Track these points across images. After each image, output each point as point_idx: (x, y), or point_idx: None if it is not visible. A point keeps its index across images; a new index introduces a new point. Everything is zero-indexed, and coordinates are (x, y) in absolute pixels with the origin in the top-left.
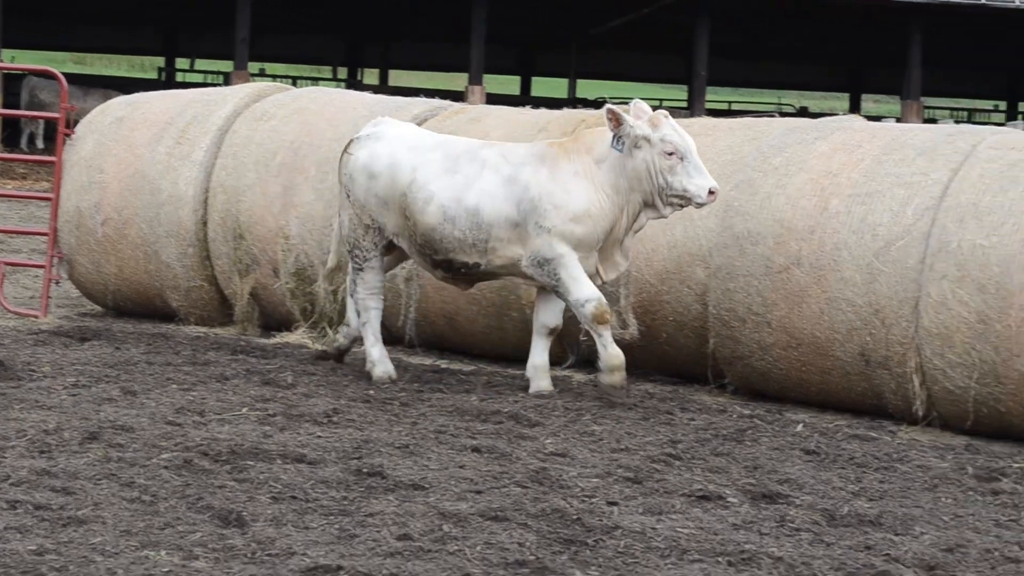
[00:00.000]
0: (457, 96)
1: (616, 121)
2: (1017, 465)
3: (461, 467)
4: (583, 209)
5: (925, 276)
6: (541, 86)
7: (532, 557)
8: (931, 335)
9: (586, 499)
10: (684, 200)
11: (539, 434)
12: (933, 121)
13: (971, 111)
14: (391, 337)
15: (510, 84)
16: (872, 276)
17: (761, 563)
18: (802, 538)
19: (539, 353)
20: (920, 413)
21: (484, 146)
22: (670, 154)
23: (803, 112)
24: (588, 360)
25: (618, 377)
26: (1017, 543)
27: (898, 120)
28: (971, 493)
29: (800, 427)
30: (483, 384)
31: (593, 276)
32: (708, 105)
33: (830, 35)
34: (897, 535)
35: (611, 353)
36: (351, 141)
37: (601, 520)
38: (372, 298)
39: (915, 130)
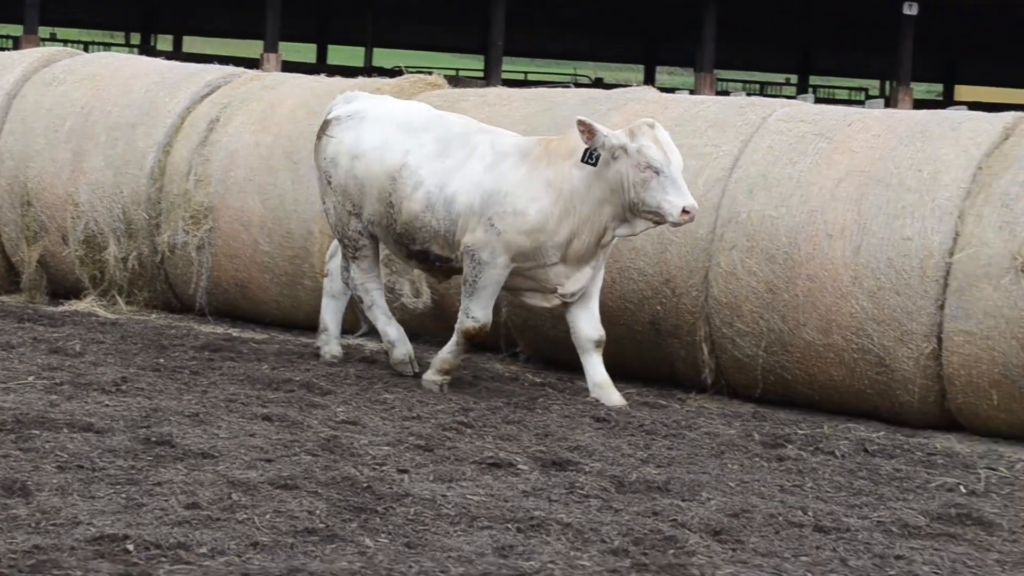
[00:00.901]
0: (252, 64)
1: (589, 133)
2: (802, 432)
3: (251, 435)
4: (539, 224)
5: (715, 246)
6: (337, 54)
7: (322, 525)
8: (720, 304)
9: (377, 467)
10: (657, 217)
11: (330, 402)
12: (726, 93)
13: (763, 84)
14: (183, 306)
15: (307, 52)
16: (663, 246)
17: (550, 529)
18: (591, 504)
19: (595, 370)
20: (709, 381)
21: (479, 130)
22: (646, 167)
23: (598, 83)
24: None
25: (438, 378)
26: (801, 508)
27: (691, 92)
28: (757, 459)
29: (590, 395)
30: (275, 353)
31: (552, 290)
32: (504, 76)
33: (625, 6)
34: (684, 501)
35: (444, 358)
36: (328, 123)
37: (391, 488)
38: (371, 280)
39: (707, 102)
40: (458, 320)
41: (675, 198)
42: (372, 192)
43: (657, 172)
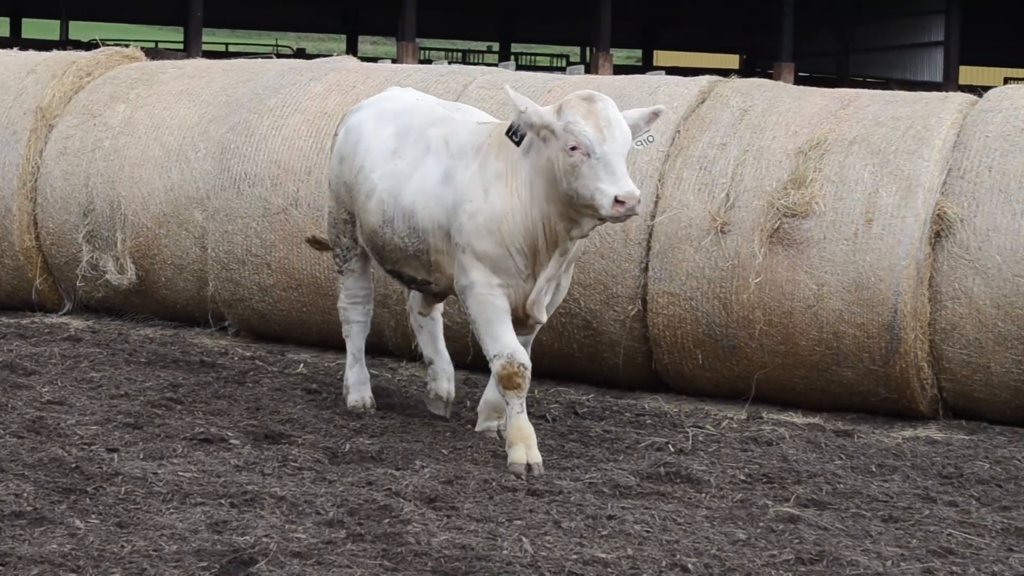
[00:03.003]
0: None
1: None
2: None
3: None
4: (494, 220)
5: None
6: (32, 28)
7: (30, 508)
8: None
9: (85, 447)
10: (592, 211)
11: (35, 383)
12: (428, 62)
13: (466, 52)
14: None
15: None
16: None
17: (264, 503)
18: (305, 477)
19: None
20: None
21: (436, 121)
22: (573, 148)
23: (300, 54)
24: (86, 306)
25: (519, 454)
26: (513, 473)
27: (394, 61)
28: (468, 427)
29: (302, 367)
30: None
31: (525, 316)
32: (205, 48)
33: None
34: (398, 470)
35: (515, 425)
36: (341, 119)
37: (101, 467)
38: (355, 309)
39: (408, 71)
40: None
41: (607, 185)
42: (355, 200)
43: (587, 154)
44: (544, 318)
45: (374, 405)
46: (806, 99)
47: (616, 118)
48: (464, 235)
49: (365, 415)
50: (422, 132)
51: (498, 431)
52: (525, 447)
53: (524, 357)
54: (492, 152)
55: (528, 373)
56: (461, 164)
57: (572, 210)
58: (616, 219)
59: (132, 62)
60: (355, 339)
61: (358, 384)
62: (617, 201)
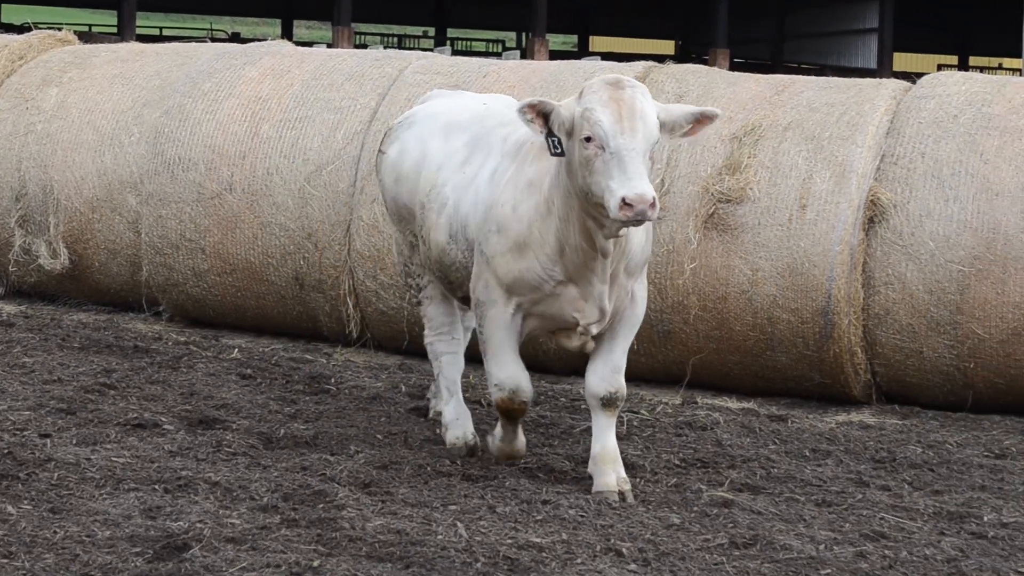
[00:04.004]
0: None
1: (536, 115)
2: None
3: None
4: (522, 234)
5: (356, 199)
6: None
7: None
8: (363, 258)
9: (18, 432)
10: (603, 210)
11: None
12: (364, 47)
13: (401, 37)
14: None
15: None
16: (304, 200)
17: (198, 488)
18: (239, 462)
19: (599, 436)
20: (355, 335)
21: (505, 121)
22: (588, 139)
23: (235, 38)
24: (18, 291)
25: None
26: (448, 458)
27: (329, 46)
28: (404, 411)
29: (236, 352)
30: None
31: (572, 324)
32: (139, 31)
33: None
34: (333, 455)
35: (498, 447)
36: (387, 133)
37: (33, 453)
38: (441, 340)
39: (344, 55)
40: None
41: (617, 184)
42: (426, 219)
43: (602, 147)
44: (597, 330)
45: (477, 444)
46: (741, 85)
47: (643, 109)
48: (491, 247)
49: (418, 442)
50: (489, 135)
51: (430, 410)
52: (508, 458)
53: (526, 393)
54: (530, 155)
55: (528, 407)
56: (504, 163)
57: (591, 207)
58: (625, 223)
59: (65, 45)
60: (447, 372)
61: (456, 421)
62: (625, 204)
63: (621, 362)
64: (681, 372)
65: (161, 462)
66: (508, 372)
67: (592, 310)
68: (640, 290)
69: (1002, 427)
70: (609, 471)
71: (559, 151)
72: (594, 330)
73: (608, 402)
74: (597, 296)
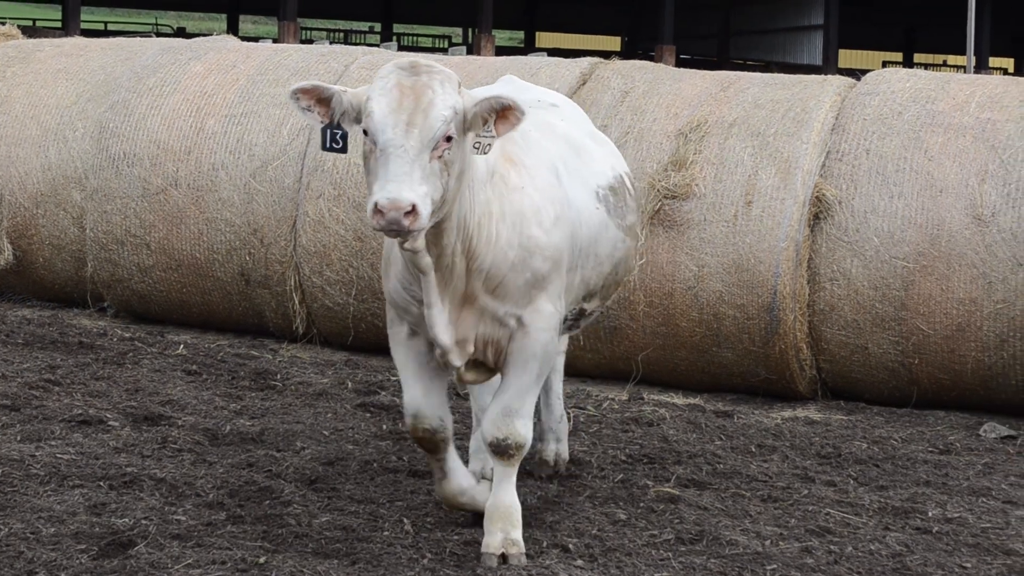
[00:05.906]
0: None
1: (315, 99)
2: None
3: None
4: (387, 252)
5: (303, 195)
6: None
7: None
8: (309, 253)
9: None
10: None
11: None
12: (310, 42)
13: (348, 32)
14: None
15: None
16: (250, 196)
17: (143, 485)
18: (184, 459)
19: (495, 489)
20: (301, 330)
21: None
22: (365, 133)
23: (180, 33)
24: None
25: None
26: (395, 454)
27: (275, 41)
28: (350, 407)
29: (182, 348)
30: None
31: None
32: (84, 26)
33: None
34: (279, 451)
35: (443, 488)
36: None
37: None
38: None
39: (289, 51)
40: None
41: (377, 187)
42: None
43: (375, 143)
44: (456, 362)
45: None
46: (687, 81)
47: (430, 100)
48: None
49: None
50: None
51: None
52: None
53: (428, 420)
54: None
55: (438, 437)
56: None
57: None
58: (386, 234)
59: (8, 40)
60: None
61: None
62: (376, 210)
63: (515, 404)
64: (628, 368)
65: (106, 459)
66: (408, 395)
67: (441, 335)
68: (534, 318)
69: (946, 423)
70: (496, 531)
71: (339, 146)
72: (455, 361)
73: (498, 450)
74: (438, 321)
